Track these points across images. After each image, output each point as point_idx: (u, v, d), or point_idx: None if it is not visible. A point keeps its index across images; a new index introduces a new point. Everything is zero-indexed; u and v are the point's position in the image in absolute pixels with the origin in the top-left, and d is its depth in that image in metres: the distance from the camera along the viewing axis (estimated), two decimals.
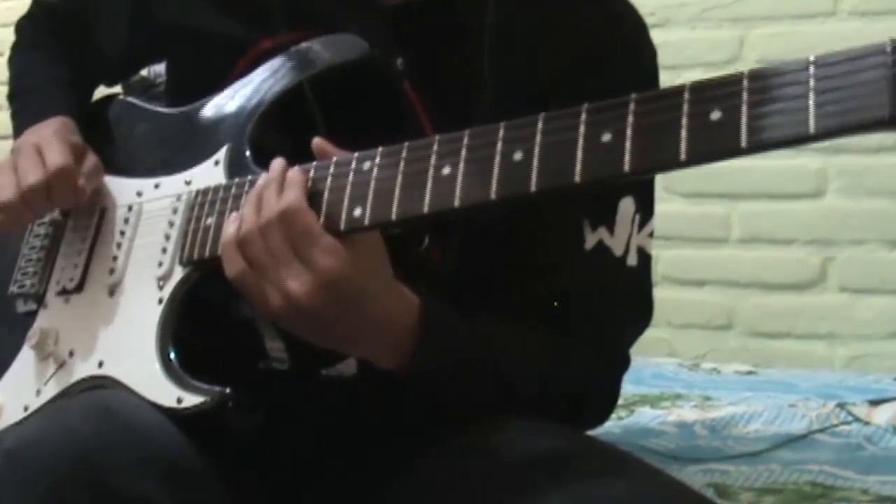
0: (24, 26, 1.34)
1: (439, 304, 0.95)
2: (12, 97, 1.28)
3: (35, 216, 1.12)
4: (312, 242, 0.87)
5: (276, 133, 1.05)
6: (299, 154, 0.94)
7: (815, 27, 2.34)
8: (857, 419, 1.51)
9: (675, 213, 2.45)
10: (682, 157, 0.72)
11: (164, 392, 0.94)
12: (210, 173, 1.05)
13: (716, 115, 0.71)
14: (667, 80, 0.99)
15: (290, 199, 0.88)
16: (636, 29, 1.11)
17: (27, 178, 1.07)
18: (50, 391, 1.04)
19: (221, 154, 1.05)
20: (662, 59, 1.12)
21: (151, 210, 1.08)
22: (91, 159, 1.13)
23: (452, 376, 0.96)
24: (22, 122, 1.21)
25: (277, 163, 0.94)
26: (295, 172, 0.91)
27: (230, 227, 0.93)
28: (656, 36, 1.12)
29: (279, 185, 0.91)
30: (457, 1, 1.06)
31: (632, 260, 1.06)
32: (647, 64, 1.10)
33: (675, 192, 2.46)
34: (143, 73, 1.43)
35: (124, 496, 0.82)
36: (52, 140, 1.10)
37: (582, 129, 0.76)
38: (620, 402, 1.60)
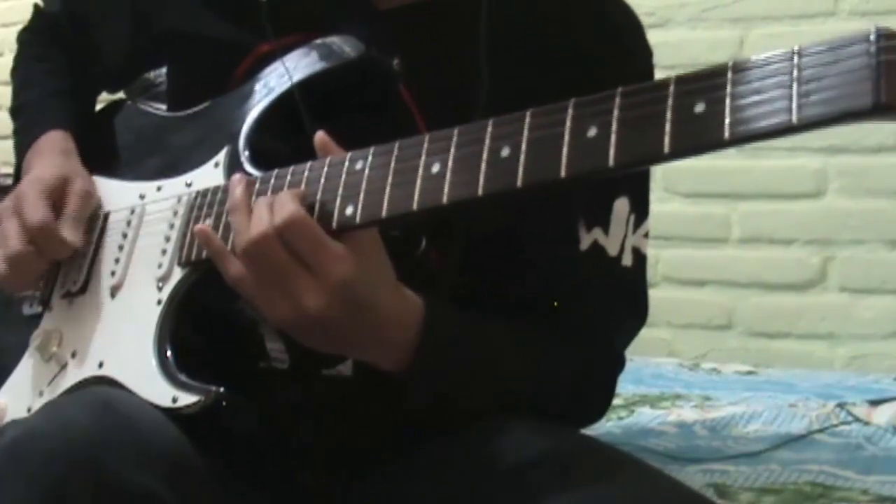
0: (26, 37, 1.34)
1: (441, 305, 0.95)
2: (15, 112, 1.28)
3: (32, 276, 1.11)
4: (320, 251, 0.87)
5: (274, 135, 1.06)
6: (297, 155, 0.94)
7: (815, 27, 2.34)
8: (857, 419, 1.51)
9: (675, 213, 2.45)
10: (666, 150, 0.71)
11: (161, 391, 0.95)
12: (210, 175, 1.05)
13: (699, 107, 0.70)
14: None
15: (290, 211, 0.87)
16: (632, 30, 1.11)
17: (9, 247, 1.07)
18: (52, 392, 1.05)
19: (221, 156, 1.05)
20: (662, 59, 1.12)
21: (153, 212, 1.09)
22: (75, 189, 1.11)
23: (451, 380, 0.96)
24: (21, 140, 1.22)
25: (236, 178, 0.94)
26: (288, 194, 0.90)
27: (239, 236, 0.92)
28: (656, 36, 1.12)
29: (244, 205, 0.91)
30: (451, 4, 1.06)
31: (627, 260, 1.06)
32: (643, 64, 1.10)
33: (674, 192, 2.46)
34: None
35: (126, 490, 0.82)
36: (28, 196, 1.08)
37: (568, 123, 0.76)
38: (620, 402, 1.61)
